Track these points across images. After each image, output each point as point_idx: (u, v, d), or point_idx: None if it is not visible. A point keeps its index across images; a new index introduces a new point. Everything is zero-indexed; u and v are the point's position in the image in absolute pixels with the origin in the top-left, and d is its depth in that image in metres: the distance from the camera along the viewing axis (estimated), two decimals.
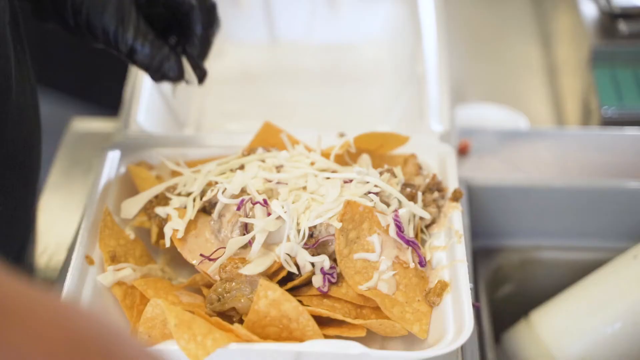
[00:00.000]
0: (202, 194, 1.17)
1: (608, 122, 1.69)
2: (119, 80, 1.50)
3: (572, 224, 1.48)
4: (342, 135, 1.30)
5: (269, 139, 1.25)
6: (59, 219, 1.43)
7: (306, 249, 1.09)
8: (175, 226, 1.14)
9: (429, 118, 1.37)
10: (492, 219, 1.47)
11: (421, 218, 1.16)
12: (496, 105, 1.78)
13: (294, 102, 1.55)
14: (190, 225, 1.15)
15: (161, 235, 1.17)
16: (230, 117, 1.52)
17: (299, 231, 1.10)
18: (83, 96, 2.07)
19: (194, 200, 1.16)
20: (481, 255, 1.47)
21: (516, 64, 2.04)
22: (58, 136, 1.60)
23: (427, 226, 1.18)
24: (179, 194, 1.19)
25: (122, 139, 1.34)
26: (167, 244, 1.14)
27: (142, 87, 1.44)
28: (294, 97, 1.56)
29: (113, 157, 1.28)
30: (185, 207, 1.16)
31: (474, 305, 1.07)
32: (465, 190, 1.41)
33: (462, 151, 1.48)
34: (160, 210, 1.17)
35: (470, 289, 1.09)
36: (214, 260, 1.11)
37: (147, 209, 1.19)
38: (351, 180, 1.14)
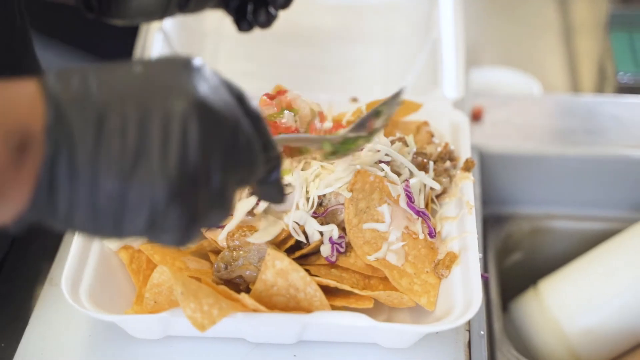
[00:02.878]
0: None
1: (624, 88, 1.67)
2: (127, 54, 1.49)
3: (584, 193, 1.47)
4: (354, 100, 1.29)
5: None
6: None
7: (315, 217, 1.08)
8: None
9: (443, 84, 1.36)
10: (504, 186, 1.46)
11: (432, 188, 1.14)
12: (510, 68, 1.75)
13: (306, 64, 1.53)
14: None
15: None
16: (241, 78, 1.50)
17: (307, 199, 1.09)
18: (94, 52, 2.05)
19: None
20: (491, 222, 1.46)
21: (532, 25, 2.02)
22: None
23: (438, 196, 1.17)
24: None
25: None
26: None
27: (152, 47, 1.42)
28: (305, 59, 1.54)
29: None
30: None
31: (482, 277, 1.07)
32: (477, 157, 1.40)
33: (475, 117, 1.47)
34: None
35: (480, 259, 1.09)
36: (222, 227, 1.10)
37: None
38: (362, 149, 1.12)
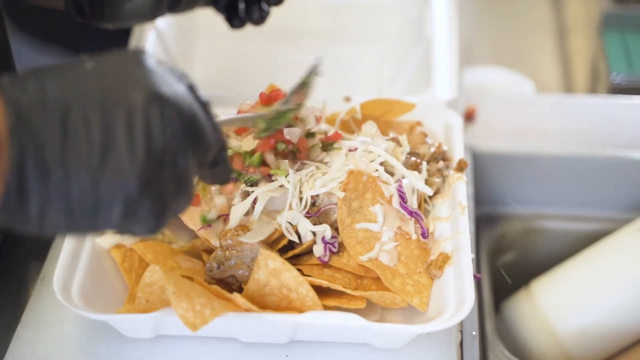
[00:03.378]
0: None
1: (617, 89, 1.67)
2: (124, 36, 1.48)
3: (577, 193, 1.47)
4: (347, 99, 1.29)
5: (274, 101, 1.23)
6: None
7: (308, 217, 1.08)
8: None
9: (436, 84, 1.35)
10: (497, 186, 1.46)
11: None
12: (503, 68, 1.75)
13: (299, 63, 1.52)
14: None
15: None
16: (233, 77, 1.50)
17: (301, 199, 1.08)
18: (88, 51, 2.04)
19: None
20: (484, 222, 1.46)
21: (525, 24, 2.02)
22: None
23: (431, 196, 1.17)
24: None
25: None
26: None
27: (145, 44, 1.42)
28: (299, 58, 1.53)
29: None
30: None
31: (474, 277, 1.07)
32: (470, 157, 1.40)
33: (469, 117, 1.47)
34: None
35: (472, 259, 1.09)
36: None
37: None
38: (356, 149, 1.12)
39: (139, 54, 0.81)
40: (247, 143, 1.10)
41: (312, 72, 1.09)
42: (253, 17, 1.28)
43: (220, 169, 0.90)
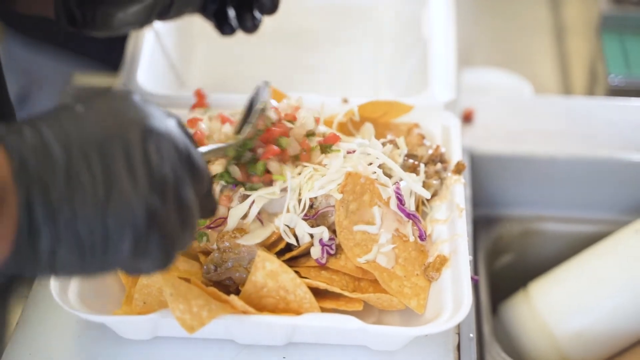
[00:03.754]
0: None
1: (615, 90, 1.67)
2: (117, 56, 1.48)
3: (575, 195, 1.47)
4: (345, 101, 1.29)
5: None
6: None
7: (306, 219, 1.08)
8: None
9: (434, 86, 1.35)
10: (494, 188, 1.46)
11: None
12: (501, 70, 1.75)
13: (297, 65, 1.52)
14: None
15: None
16: (232, 79, 1.50)
17: (299, 201, 1.08)
18: (84, 53, 2.05)
19: None
20: (482, 224, 1.46)
21: (524, 26, 2.02)
22: (59, 91, 1.58)
23: (429, 199, 1.16)
24: None
25: None
26: None
27: (143, 46, 1.41)
28: (296, 60, 1.54)
29: None
30: None
31: (472, 279, 1.07)
32: (468, 159, 1.40)
33: (466, 118, 1.47)
34: None
35: (470, 261, 1.08)
36: (212, 228, 1.09)
37: None
38: (354, 151, 1.12)
39: (127, 94, 0.83)
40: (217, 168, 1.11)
41: (264, 94, 1.11)
42: (246, 25, 1.29)
43: (208, 200, 0.91)
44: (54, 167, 0.76)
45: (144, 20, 1.21)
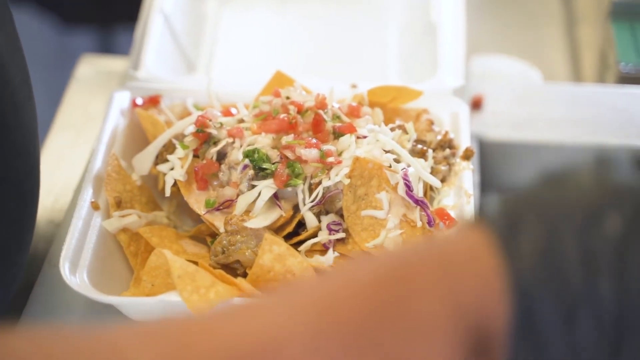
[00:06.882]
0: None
1: (625, 78, 1.66)
2: (131, 20, 1.48)
3: None
4: (354, 86, 1.29)
5: (280, 88, 1.23)
6: (65, 158, 1.41)
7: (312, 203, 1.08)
8: (176, 176, 1.13)
9: (443, 72, 1.35)
10: (503, 175, 1.46)
11: None
12: (511, 57, 1.75)
13: (305, 50, 1.52)
14: None
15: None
16: (240, 64, 1.50)
17: (311, 191, 1.09)
18: (96, 31, 2.04)
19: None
20: None
21: (534, 13, 2.01)
22: (68, 72, 1.58)
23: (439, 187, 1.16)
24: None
25: (131, 80, 1.32)
26: (167, 193, 1.14)
27: (151, 30, 1.41)
28: (304, 45, 1.53)
29: (121, 99, 1.26)
30: None
31: None
32: (477, 145, 1.39)
33: (476, 105, 1.46)
34: (162, 167, 1.15)
35: None
36: (220, 210, 1.10)
37: (158, 157, 1.17)
38: (365, 137, 1.12)
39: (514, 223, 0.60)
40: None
41: None
42: None
43: None
44: (557, 324, 0.54)
45: None
